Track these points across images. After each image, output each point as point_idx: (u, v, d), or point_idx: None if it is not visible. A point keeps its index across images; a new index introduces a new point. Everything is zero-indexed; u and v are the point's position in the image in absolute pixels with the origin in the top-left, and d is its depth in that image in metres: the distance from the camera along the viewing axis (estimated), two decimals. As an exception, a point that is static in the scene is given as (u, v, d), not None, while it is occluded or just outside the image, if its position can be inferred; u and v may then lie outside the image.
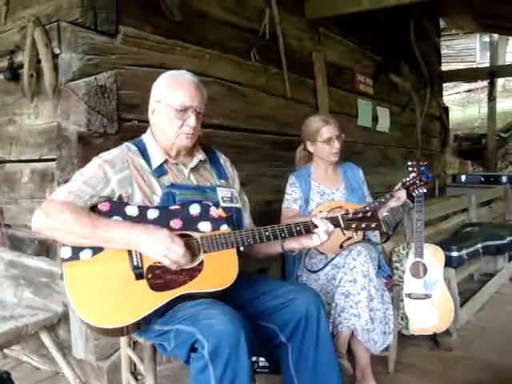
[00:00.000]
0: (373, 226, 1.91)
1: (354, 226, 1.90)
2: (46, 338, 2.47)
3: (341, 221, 1.89)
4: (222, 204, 1.90)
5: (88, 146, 2.34)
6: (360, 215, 1.91)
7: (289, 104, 3.79)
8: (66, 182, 1.83)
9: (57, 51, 2.39)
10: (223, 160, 2.13)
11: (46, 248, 2.57)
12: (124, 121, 2.52)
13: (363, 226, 1.90)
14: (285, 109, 3.75)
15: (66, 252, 1.68)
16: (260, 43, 3.48)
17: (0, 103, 2.85)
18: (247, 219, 2.13)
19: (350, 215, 1.91)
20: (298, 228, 1.86)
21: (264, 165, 3.58)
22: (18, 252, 2.76)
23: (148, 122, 1.97)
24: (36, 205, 2.54)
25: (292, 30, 3.84)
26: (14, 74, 2.61)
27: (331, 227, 1.87)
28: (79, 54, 2.34)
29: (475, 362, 2.81)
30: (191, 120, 1.85)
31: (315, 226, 1.87)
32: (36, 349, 2.72)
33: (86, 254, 1.68)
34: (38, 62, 2.45)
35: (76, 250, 1.68)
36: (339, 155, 2.77)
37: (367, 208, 1.94)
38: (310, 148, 2.81)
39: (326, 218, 1.88)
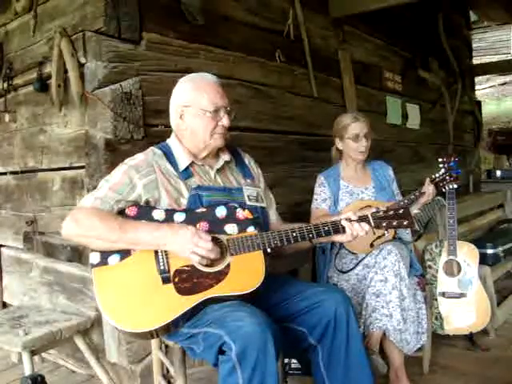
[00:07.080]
0: (405, 223, 1.83)
1: (384, 224, 1.83)
2: (79, 342, 2.52)
3: (371, 219, 1.83)
4: (248, 203, 1.90)
5: (115, 153, 2.38)
6: (391, 213, 1.83)
7: (316, 104, 3.76)
8: (95, 188, 1.85)
9: (82, 60, 2.44)
10: (247, 159, 2.13)
11: (78, 254, 2.61)
12: (150, 126, 2.55)
13: (394, 223, 1.83)
14: (312, 109, 3.72)
15: (94, 258, 1.71)
16: (284, 44, 3.45)
17: (31, 114, 2.93)
18: (274, 216, 2.12)
19: (381, 213, 1.84)
20: (327, 228, 1.83)
21: (292, 166, 3.55)
22: (52, 258, 2.81)
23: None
24: (67, 212, 2.57)
25: (316, 29, 3.80)
26: (42, 84, 2.68)
27: (361, 232, 1.82)
28: (104, 62, 2.38)
29: (514, 362, 2.73)
30: (225, 120, 1.89)
31: (344, 227, 1.82)
32: (72, 353, 2.77)
33: (114, 259, 1.71)
34: (65, 71, 2.50)
35: (104, 256, 1.71)
36: (367, 154, 2.74)
37: (398, 205, 1.87)
38: (339, 145, 2.79)
39: (356, 220, 1.82)
